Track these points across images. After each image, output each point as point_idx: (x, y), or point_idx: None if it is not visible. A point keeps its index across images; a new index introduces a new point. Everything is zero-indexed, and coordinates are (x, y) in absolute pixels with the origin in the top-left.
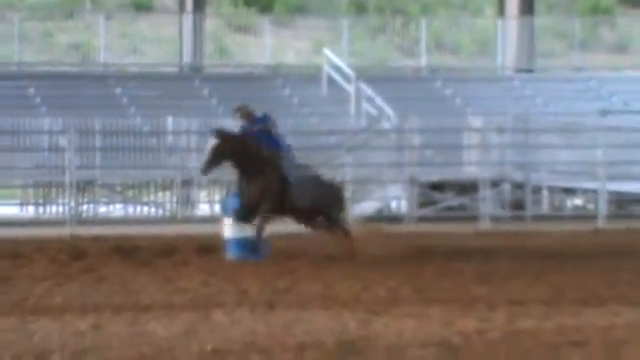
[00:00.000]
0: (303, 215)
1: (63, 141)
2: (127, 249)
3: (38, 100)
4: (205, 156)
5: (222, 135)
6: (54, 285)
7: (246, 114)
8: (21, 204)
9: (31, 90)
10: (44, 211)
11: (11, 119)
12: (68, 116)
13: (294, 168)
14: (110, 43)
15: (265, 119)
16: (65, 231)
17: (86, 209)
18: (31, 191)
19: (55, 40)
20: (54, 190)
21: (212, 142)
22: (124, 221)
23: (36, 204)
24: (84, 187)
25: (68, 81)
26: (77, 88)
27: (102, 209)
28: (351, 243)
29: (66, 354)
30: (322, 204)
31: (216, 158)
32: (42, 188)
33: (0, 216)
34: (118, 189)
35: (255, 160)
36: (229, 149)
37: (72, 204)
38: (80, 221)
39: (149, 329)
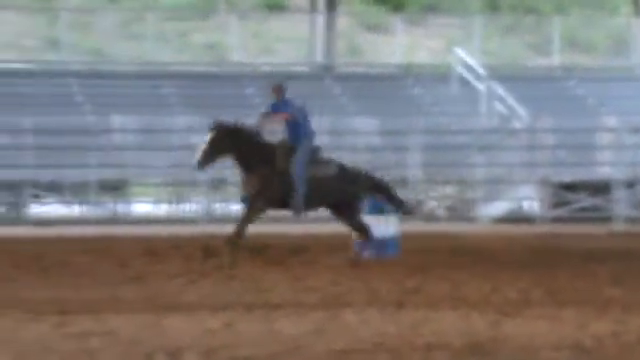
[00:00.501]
0: (308, 209)
1: (197, 140)
2: (257, 247)
3: (173, 99)
4: (200, 150)
5: (220, 127)
6: (187, 282)
7: (278, 89)
8: (155, 202)
9: (167, 89)
10: (178, 209)
11: (147, 118)
12: (202, 115)
13: (311, 162)
14: (243, 43)
15: (297, 107)
16: (198, 229)
17: (219, 207)
18: (166, 189)
19: (190, 40)
20: (188, 188)
21: (209, 135)
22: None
23: (170, 202)
24: (217, 185)
25: (202, 81)
26: (211, 88)
27: (234, 207)
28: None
29: (198, 352)
30: (328, 200)
31: (213, 152)
32: (176, 186)
33: (135, 214)
34: None
35: (256, 152)
36: (228, 142)
37: (205, 202)
38: (213, 219)
39: (279, 327)
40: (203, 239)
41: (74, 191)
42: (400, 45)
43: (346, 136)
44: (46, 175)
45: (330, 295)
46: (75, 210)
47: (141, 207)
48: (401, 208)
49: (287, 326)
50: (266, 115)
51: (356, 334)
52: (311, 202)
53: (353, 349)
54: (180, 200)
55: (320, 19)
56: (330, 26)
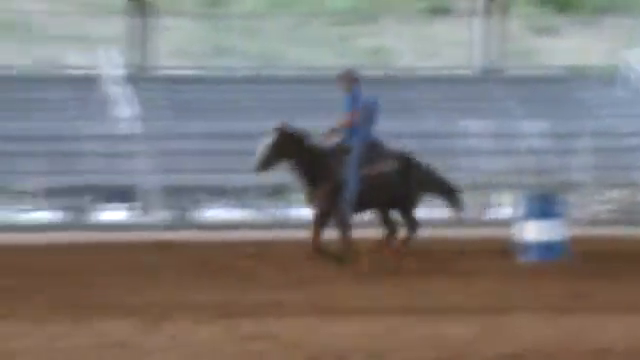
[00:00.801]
0: (362, 208)
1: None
2: (421, 251)
3: (339, 104)
4: (260, 153)
5: (281, 132)
6: (351, 286)
7: (348, 78)
8: None
9: (331, 94)
10: None
11: (309, 120)
12: None
13: (367, 158)
14: (407, 47)
15: (366, 103)
16: (367, 233)
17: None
18: None
19: (354, 44)
20: None
21: (270, 138)
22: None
23: None
24: None
25: (367, 85)
26: (376, 92)
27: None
28: (407, 243)
29: (363, 355)
30: (380, 201)
31: (272, 156)
32: None
33: (298, 217)
34: None
35: (314, 159)
36: (287, 148)
37: None
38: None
39: (444, 332)
40: (368, 243)
41: (238, 195)
42: (568, 48)
43: (511, 139)
44: (213, 180)
45: (495, 299)
46: (240, 214)
47: (304, 211)
48: (456, 204)
49: (452, 330)
50: (334, 129)
51: (522, 339)
52: (365, 202)
53: (521, 354)
54: None
55: (483, 22)
56: (494, 29)
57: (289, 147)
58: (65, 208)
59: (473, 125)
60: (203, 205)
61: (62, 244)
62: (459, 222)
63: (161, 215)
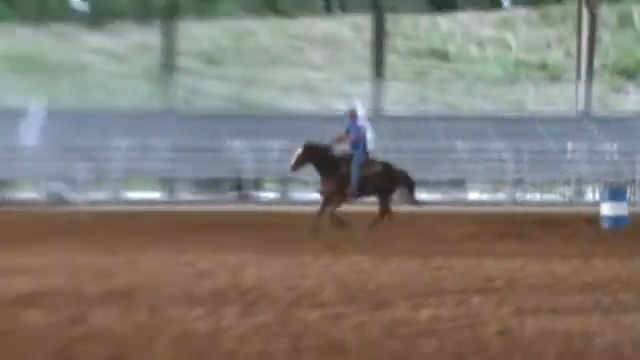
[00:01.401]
0: (362, 195)
1: None
2: (543, 220)
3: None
4: (292, 159)
5: (307, 145)
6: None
7: (352, 114)
8: None
9: (489, 128)
10: None
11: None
12: None
13: (363, 164)
14: (535, 99)
15: (362, 128)
16: None
17: None
18: None
19: (504, 97)
20: None
21: (299, 150)
22: None
23: None
24: None
25: (508, 123)
26: (513, 128)
27: None
28: (379, 221)
29: (531, 281)
30: (371, 190)
31: (300, 161)
32: None
33: None
34: None
35: (328, 162)
36: (310, 155)
37: None
38: None
39: (554, 267)
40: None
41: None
42: (635, 100)
43: (596, 154)
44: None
45: (589, 247)
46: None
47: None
48: (415, 202)
49: (559, 267)
50: (339, 139)
51: (606, 272)
52: (361, 192)
53: (609, 282)
54: None
55: (585, 84)
56: (589, 88)
57: (311, 155)
58: None
59: (574, 145)
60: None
61: None
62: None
63: None
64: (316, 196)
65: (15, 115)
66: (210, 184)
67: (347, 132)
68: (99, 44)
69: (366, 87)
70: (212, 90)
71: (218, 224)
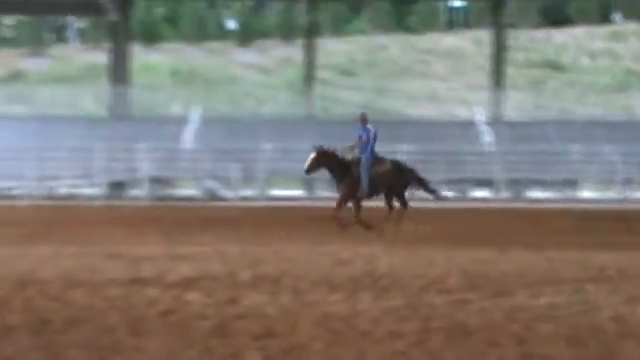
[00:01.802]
0: (374, 194)
1: None
2: (614, 217)
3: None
4: (306, 163)
5: (319, 150)
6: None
7: (362, 119)
8: None
9: (599, 132)
10: None
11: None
12: None
13: (372, 164)
14: None
15: (371, 132)
16: None
17: None
18: None
19: (613, 104)
20: None
21: (312, 155)
22: None
23: None
24: None
25: (612, 126)
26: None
27: None
28: (405, 214)
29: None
30: (382, 188)
31: (313, 165)
32: None
33: None
34: None
35: (340, 166)
36: (322, 160)
37: None
38: None
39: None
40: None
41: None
42: None
43: None
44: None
45: None
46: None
47: None
48: (433, 193)
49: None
50: (350, 147)
51: None
52: (374, 190)
53: None
54: None
55: None
56: None
57: (324, 159)
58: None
59: None
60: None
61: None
62: None
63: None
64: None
65: (177, 122)
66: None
67: (359, 137)
68: (249, 59)
69: (486, 95)
70: (347, 99)
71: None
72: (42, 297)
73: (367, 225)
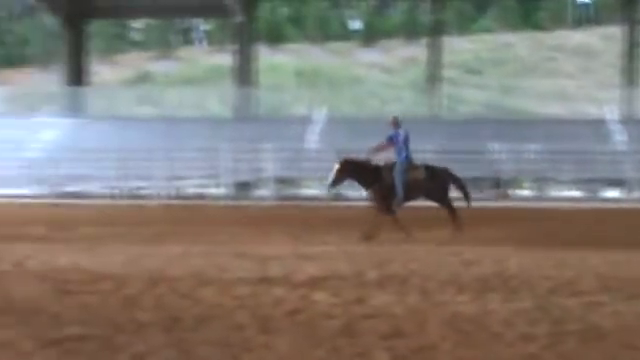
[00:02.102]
0: (408, 200)
1: None
2: None
3: None
4: (330, 176)
5: (343, 161)
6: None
7: (394, 122)
8: None
9: None
10: None
11: None
12: None
13: (407, 170)
14: None
15: (403, 135)
16: None
17: None
18: None
19: None
20: None
21: (336, 166)
22: None
23: None
24: None
25: None
26: None
27: None
28: (456, 219)
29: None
30: (417, 195)
31: (339, 177)
32: None
33: None
34: None
35: (371, 174)
36: (348, 170)
37: None
38: None
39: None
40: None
41: None
42: None
43: None
44: None
45: None
46: None
47: None
48: (466, 198)
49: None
50: (377, 148)
51: None
52: (408, 197)
53: None
54: None
55: None
56: None
57: (349, 170)
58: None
59: None
60: None
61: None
62: None
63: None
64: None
65: (302, 122)
66: (471, 183)
67: (390, 140)
68: (372, 59)
69: (617, 93)
70: (472, 97)
71: (480, 219)
72: (173, 295)
73: (370, 234)
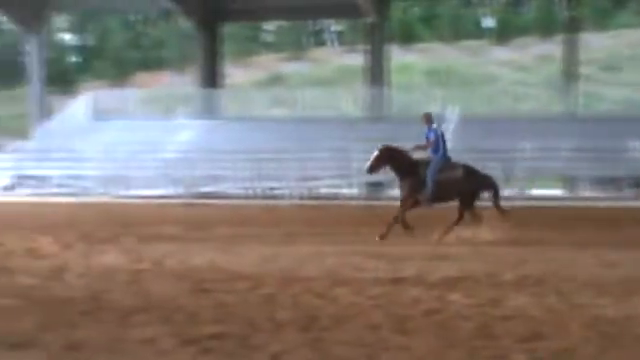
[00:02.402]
0: (439, 200)
1: None
2: None
3: None
4: (369, 161)
5: (382, 148)
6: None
7: (426, 119)
8: None
9: None
10: None
11: None
12: None
13: (441, 168)
14: None
15: (438, 133)
16: None
17: None
18: None
19: None
20: None
21: (375, 152)
22: None
23: None
24: None
25: None
26: None
27: None
28: (480, 221)
29: None
30: (451, 195)
31: (377, 163)
32: None
33: None
34: None
35: (407, 166)
36: (386, 158)
37: None
38: None
39: None
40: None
41: None
42: None
43: None
44: None
45: None
46: None
47: None
48: (497, 202)
49: None
50: (418, 146)
51: None
52: (439, 197)
53: None
54: None
55: None
56: None
57: (387, 157)
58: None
59: None
60: None
61: None
62: None
63: None
64: None
65: (435, 122)
66: (609, 182)
67: (427, 139)
68: (505, 57)
69: None
70: (610, 95)
71: (618, 219)
72: (308, 294)
73: (407, 226)
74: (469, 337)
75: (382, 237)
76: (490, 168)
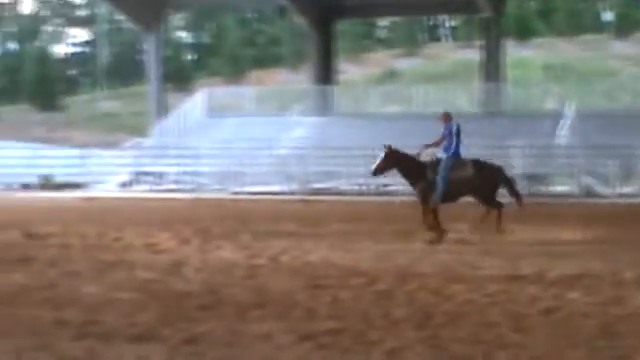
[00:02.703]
0: (451, 199)
1: None
2: None
3: None
4: (374, 163)
5: (388, 150)
6: None
7: (445, 117)
8: None
9: None
10: None
11: None
12: None
13: (453, 167)
14: None
15: (453, 130)
16: None
17: None
18: None
19: None
20: None
21: (380, 155)
22: None
23: None
24: None
25: None
26: None
27: None
28: (499, 217)
29: None
30: (463, 193)
31: (383, 166)
32: None
33: None
34: None
35: (413, 168)
36: (392, 161)
37: None
38: None
39: None
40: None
41: None
42: None
43: None
44: None
45: None
46: None
47: None
48: (517, 198)
49: None
50: (427, 145)
51: None
52: (449, 196)
53: None
54: None
55: None
56: None
57: (393, 161)
58: None
59: None
60: None
61: None
62: None
63: None
64: None
65: (551, 118)
66: None
67: (443, 136)
68: (626, 51)
69: None
70: None
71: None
72: (423, 291)
73: (431, 227)
74: (590, 336)
75: (432, 242)
76: (608, 165)
